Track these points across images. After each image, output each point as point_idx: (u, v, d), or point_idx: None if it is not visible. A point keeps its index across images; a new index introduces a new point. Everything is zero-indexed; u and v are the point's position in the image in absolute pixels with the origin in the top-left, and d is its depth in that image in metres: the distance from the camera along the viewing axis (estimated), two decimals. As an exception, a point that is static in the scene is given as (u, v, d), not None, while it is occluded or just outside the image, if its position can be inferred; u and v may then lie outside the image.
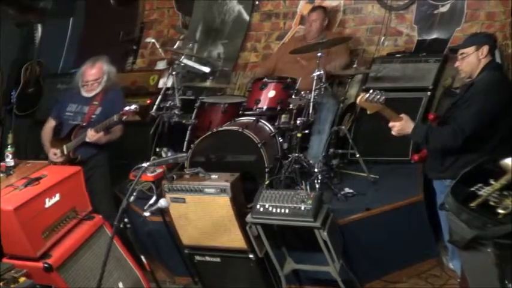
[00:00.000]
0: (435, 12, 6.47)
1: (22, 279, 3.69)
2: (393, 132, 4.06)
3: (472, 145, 3.83)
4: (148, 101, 6.58)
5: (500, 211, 2.84)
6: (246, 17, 7.46)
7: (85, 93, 5.30)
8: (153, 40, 7.74)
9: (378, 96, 3.91)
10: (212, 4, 7.60)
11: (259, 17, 7.50)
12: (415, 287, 4.83)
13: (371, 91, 3.94)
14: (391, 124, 4.03)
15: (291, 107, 5.49)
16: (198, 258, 4.82)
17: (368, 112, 4.07)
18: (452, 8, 6.37)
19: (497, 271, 2.91)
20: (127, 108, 4.88)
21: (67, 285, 3.97)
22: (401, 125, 3.99)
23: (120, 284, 4.37)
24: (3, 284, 3.55)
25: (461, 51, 4.09)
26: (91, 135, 5.01)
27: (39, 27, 6.45)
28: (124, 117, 4.96)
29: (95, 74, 5.24)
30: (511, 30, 5.75)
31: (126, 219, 3.81)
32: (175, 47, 7.35)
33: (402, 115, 4.01)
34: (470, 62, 4.02)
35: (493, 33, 4.19)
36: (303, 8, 7.20)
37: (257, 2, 7.43)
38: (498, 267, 2.90)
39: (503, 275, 2.90)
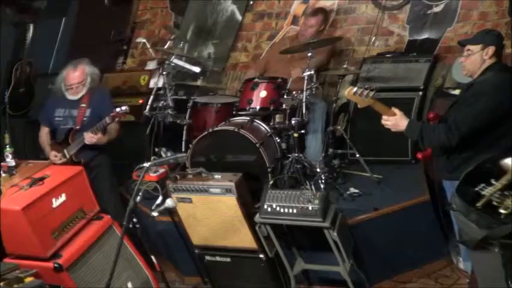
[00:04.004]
0: (428, 12, 6.45)
1: (29, 279, 3.66)
2: (387, 127, 4.07)
3: (482, 145, 3.81)
4: (140, 101, 6.56)
5: (502, 211, 2.84)
6: (239, 17, 7.42)
7: (70, 96, 5.28)
8: (144, 40, 7.68)
9: (367, 92, 3.94)
10: (206, 4, 7.56)
11: (252, 17, 7.46)
12: (425, 287, 4.84)
13: (359, 84, 3.96)
14: (384, 118, 4.03)
15: (284, 107, 5.49)
16: (208, 258, 4.81)
17: (359, 106, 4.08)
18: (446, 7, 6.35)
19: (504, 271, 2.95)
20: (118, 109, 4.90)
21: (76, 286, 3.97)
22: (395, 120, 3.99)
23: (130, 284, 4.37)
24: (4, 284, 3.52)
25: (467, 47, 4.04)
26: (89, 137, 5.02)
27: (31, 27, 6.40)
28: (116, 119, 4.97)
29: (78, 77, 5.22)
30: (508, 30, 5.76)
31: (134, 219, 3.82)
32: (165, 46, 7.30)
33: (396, 110, 4.00)
34: (474, 60, 3.98)
35: (501, 33, 4.14)
36: (296, 8, 7.17)
37: (251, 2, 7.40)
38: (504, 268, 2.94)
39: (507, 275, 2.95)
